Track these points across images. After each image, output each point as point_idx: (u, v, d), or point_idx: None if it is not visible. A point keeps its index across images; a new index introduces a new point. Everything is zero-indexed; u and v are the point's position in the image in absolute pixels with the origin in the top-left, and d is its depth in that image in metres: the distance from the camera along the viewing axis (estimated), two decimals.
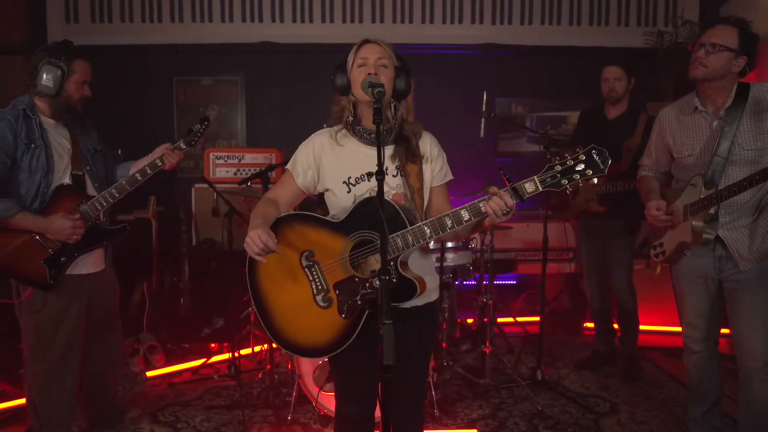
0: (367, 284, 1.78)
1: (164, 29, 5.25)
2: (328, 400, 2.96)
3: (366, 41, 1.88)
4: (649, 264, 2.82)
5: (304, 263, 1.84)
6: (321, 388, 2.92)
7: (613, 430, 2.92)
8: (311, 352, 1.84)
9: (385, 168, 1.65)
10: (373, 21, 5.32)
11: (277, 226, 1.85)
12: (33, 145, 2.39)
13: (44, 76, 2.41)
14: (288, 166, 1.95)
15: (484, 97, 3.65)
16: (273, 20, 5.30)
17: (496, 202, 1.68)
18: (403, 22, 5.31)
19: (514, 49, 5.22)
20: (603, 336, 3.84)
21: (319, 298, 1.83)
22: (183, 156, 2.68)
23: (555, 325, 4.44)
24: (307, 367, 2.97)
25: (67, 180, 2.49)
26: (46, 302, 2.48)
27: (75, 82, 2.49)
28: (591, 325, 4.48)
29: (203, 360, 3.79)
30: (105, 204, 2.52)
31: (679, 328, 4.01)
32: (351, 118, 1.88)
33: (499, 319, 4.16)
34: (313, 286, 1.84)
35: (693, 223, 2.45)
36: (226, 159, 4.56)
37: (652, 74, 4.86)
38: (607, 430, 2.92)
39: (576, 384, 3.50)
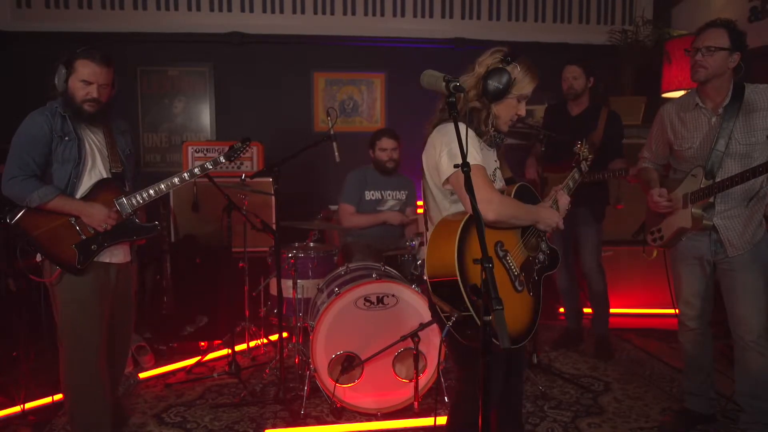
0: (537, 261, 2.03)
1: (127, 17, 5.03)
2: (342, 393, 2.99)
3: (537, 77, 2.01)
4: (645, 250, 3.01)
5: (500, 254, 1.89)
6: (336, 381, 2.94)
7: (612, 407, 3.09)
8: (521, 338, 1.87)
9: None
10: (345, 13, 5.31)
11: (471, 224, 1.81)
12: (66, 138, 2.48)
13: (55, 76, 2.49)
14: (477, 161, 1.86)
15: None
16: (242, 10, 5.18)
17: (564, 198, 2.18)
18: (374, 15, 5.32)
19: (483, 44, 5.31)
20: (572, 315, 4.10)
21: (516, 283, 1.91)
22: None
23: None
24: (322, 360, 2.97)
25: (106, 174, 2.57)
26: (76, 286, 2.51)
27: (75, 81, 2.49)
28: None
29: (197, 358, 3.69)
30: (141, 201, 2.60)
31: (649, 310, 4.29)
32: (493, 131, 2.01)
33: None
34: (510, 274, 1.89)
35: (693, 210, 2.65)
36: (205, 152, 4.43)
37: (613, 70, 5.15)
38: (607, 407, 3.09)
39: (567, 366, 3.67)
